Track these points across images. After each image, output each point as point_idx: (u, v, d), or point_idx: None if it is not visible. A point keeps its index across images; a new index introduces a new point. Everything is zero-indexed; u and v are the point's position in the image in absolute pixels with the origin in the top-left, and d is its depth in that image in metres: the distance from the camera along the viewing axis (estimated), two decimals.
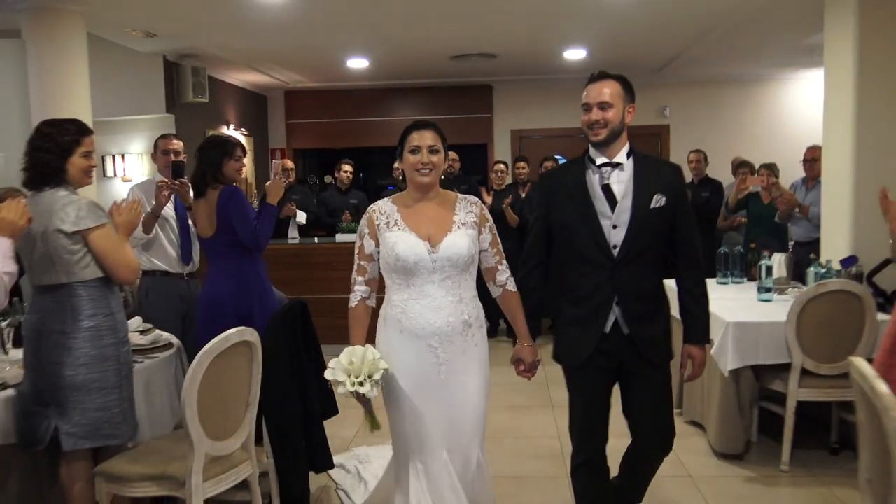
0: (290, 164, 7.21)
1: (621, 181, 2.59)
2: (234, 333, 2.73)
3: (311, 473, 3.40)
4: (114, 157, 6.82)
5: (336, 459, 3.62)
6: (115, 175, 6.83)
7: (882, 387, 1.96)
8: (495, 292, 2.78)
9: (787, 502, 3.57)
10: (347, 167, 7.29)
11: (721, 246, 5.43)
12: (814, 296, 3.64)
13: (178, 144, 4.41)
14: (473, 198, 2.74)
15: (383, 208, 2.68)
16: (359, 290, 2.67)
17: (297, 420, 3.30)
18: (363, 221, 2.70)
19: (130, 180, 6.55)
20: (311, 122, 9.80)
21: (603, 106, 2.54)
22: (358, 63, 7.82)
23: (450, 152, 2.70)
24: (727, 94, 9.64)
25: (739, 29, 6.46)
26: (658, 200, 2.56)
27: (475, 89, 9.58)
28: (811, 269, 4.07)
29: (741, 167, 6.72)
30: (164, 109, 6.91)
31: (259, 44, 6.79)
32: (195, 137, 5.25)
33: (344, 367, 2.44)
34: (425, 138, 2.62)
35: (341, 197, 7.22)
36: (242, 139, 8.75)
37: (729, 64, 8.43)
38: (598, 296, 2.61)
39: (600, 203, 2.58)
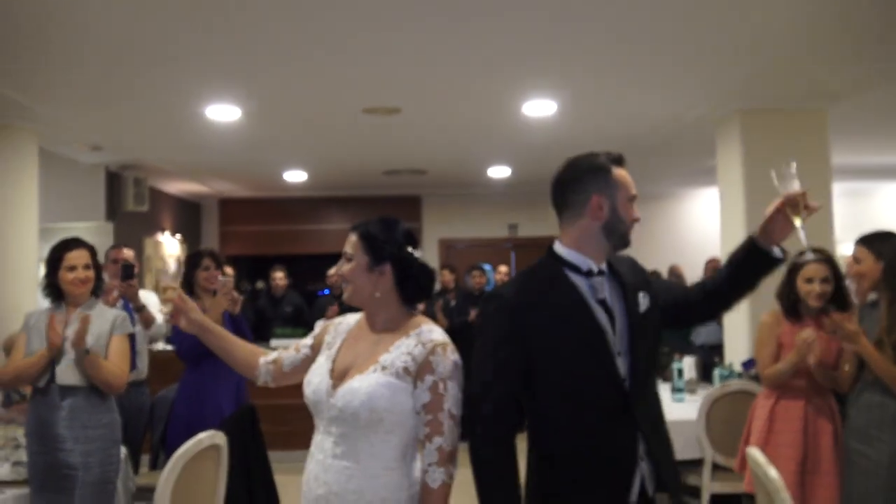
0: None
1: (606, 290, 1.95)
2: (205, 437, 2.85)
3: None
4: None
5: None
6: None
7: (773, 472, 2.35)
8: None
9: None
10: (279, 273, 7.31)
11: None
12: (719, 396, 4.07)
13: (129, 254, 4.58)
14: (435, 337, 1.91)
15: (343, 326, 2.10)
16: (270, 355, 2.17)
17: None
18: (320, 323, 2.30)
19: None
20: (245, 230, 9.92)
21: None
22: (296, 176, 8.15)
23: None
24: (640, 208, 10.32)
25: (647, 154, 7.08)
26: (644, 300, 1.96)
27: (405, 200, 9.98)
28: (716, 371, 4.55)
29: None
30: (103, 217, 7.05)
31: (201, 157, 7.05)
32: (132, 245, 5.41)
33: None
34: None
35: (274, 306, 7.18)
36: (177, 245, 8.89)
37: (640, 181, 9.08)
38: (614, 453, 1.88)
39: (603, 321, 1.91)
